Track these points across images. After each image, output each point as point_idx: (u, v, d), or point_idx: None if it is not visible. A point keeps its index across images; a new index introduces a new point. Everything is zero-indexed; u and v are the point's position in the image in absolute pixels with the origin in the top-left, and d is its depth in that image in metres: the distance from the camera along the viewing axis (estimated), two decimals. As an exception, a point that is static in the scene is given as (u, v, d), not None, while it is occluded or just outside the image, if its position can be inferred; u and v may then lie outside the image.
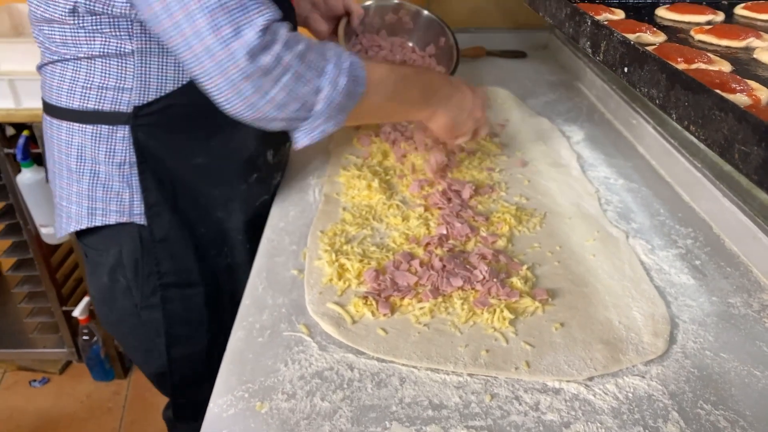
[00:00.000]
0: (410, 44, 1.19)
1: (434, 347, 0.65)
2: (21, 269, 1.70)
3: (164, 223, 0.84)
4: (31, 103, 1.40)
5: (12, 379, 1.89)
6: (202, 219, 0.88)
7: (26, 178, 1.49)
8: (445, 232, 0.83)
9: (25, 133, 1.45)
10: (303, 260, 0.80)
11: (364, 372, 0.63)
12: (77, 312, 1.71)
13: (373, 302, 0.71)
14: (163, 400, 1.14)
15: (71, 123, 0.78)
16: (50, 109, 0.80)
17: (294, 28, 0.80)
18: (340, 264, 0.77)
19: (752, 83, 0.60)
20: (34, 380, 1.87)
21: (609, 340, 0.66)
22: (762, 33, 0.74)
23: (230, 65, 0.61)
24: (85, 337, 1.76)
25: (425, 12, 1.18)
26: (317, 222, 0.88)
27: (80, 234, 0.87)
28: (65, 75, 0.76)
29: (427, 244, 0.80)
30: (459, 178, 0.98)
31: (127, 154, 0.79)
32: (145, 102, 0.76)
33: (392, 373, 0.63)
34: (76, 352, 1.84)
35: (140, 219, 0.83)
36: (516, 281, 0.74)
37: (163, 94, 0.76)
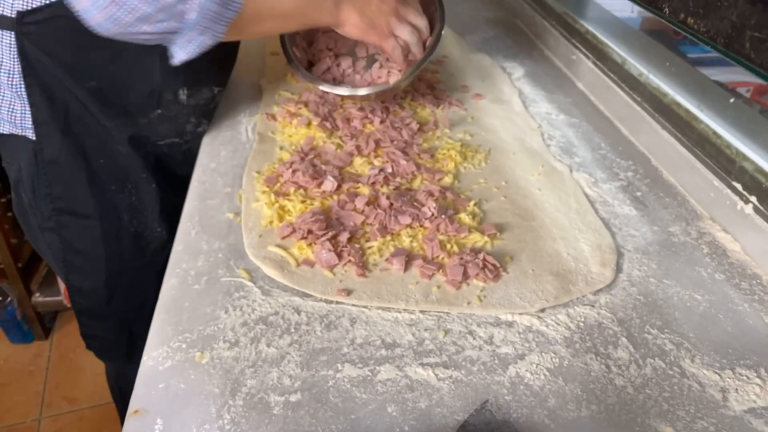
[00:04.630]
0: None
1: (384, 286, 0.63)
2: None
3: (54, 144, 0.79)
4: None
5: None
6: (99, 149, 0.81)
7: None
8: (390, 170, 0.79)
9: None
10: (239, 203, 0.75)
11: (312, 315, 0.60)
12: (-14, 272, 1.58)
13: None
14: (89, 361, 1.06)
15: None
16: None
17: None
18: (281, 206, 0.72)
19: None
20: (-58, 347, 1.73)
21: (559, 272, 0.66)
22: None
23: None
24: (-3, 298, 1.63)
25: None
26: (252, 162, 0.81)
27: None
28: None
29: (373, 183, 0.77)
30: (401, 115, 0.94)
31: (14, 63, 0.73)
32: (29, 8, 0.68)
33: (342, 314, 0.60)
34: (-11, 315, 1.70)
35: (32, 134, 0.78)
36: (464, 217, 0.72)
37: (48, 2, 0.68)
